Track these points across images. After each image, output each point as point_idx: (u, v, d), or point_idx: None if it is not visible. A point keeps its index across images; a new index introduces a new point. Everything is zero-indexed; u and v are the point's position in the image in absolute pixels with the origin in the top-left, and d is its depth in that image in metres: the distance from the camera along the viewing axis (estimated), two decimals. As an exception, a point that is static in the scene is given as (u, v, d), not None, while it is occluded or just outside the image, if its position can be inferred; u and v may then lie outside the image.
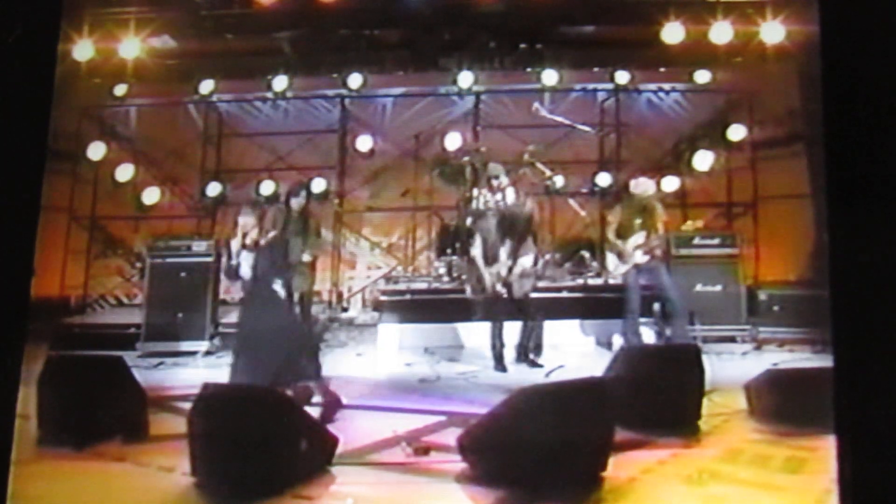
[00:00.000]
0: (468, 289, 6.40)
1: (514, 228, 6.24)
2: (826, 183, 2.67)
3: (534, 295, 6.54)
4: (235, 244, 5.37)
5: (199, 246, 7.42)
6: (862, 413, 2.54)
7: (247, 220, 5.33)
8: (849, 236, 2.61)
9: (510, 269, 6.15)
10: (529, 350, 6.34)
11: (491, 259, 6.26)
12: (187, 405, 4.14)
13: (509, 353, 6.34)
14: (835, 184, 2.66)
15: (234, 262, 5.36)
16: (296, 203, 6.67)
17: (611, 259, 6.95)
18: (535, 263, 6.34)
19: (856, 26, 2.67)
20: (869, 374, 2.55)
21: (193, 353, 7.04)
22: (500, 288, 6.19)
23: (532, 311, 6.33)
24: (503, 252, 6.22)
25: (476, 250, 6.35)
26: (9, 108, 2.69)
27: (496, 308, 6.27)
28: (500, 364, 6.24)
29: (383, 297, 7.55)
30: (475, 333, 6.80)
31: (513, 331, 6.39)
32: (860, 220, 2.61)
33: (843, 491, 2.54)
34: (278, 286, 5.35)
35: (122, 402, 4.71)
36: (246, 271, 5.34)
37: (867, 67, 2.66)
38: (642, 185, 6.94)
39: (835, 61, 2.68)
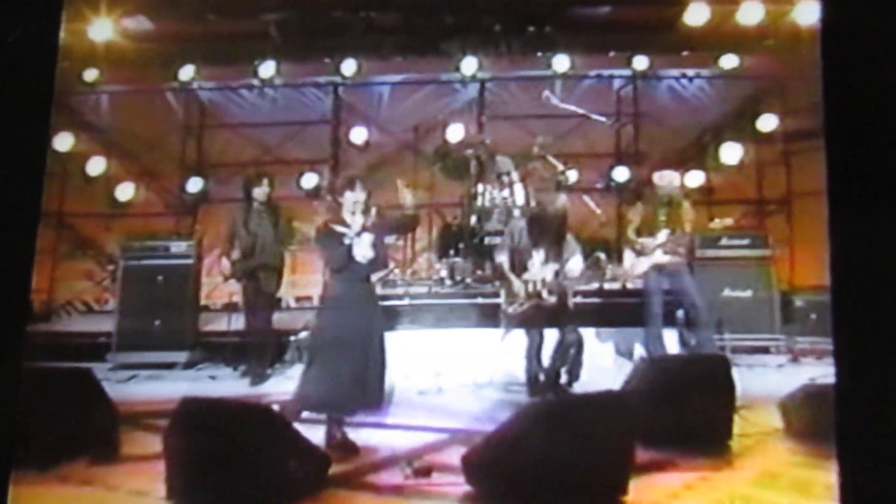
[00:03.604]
0: (502, 301, 6.17)
1: (546, 230, 6.02)
2: (827, 183, 2.84)
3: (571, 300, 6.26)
4: (356, 220, 4.88)
5: (179, 247, 7.37)
6: (864, 421, 2.73)
7: (358, 195, 4.94)
8: (850, 238, 2.77)
9: (556, 275, 5.91)
10: (563, 374, 6.07)
11: (519, 267, 6.03)
12: (163, 422, 4.11)
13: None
14: (835, 184, 2.83)
15: (348, 241, 4.85)
16: (259, 193, 6.61)
17: (628, 256, 6.87)
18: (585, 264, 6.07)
19: (857, 24, 2.81)
20: (872, 381, 2.71)
21: (171, 366, 6.96)
22: (545, 295, 5.90)
23: (573, 325, 6.03)
24: (536, 258, 6.00)
25: (502, 257, 6.12)
26: (8, 108, 2.87)
27: (533, 321, 5.99)
28: (536, 387, 5.90)
29: (379, 303, 7.43)
30: (480, 342, 6.69)
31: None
32: (863, 222, 2.75)
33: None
34: (370, 287, 5.14)
35: (91, 418, 4.64)
36: (365, 253, 4.86)
37: (868, 66, 2.80)
38: (667, 178, 6.89)
39: (835, 60, 2.84)
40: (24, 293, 2.88)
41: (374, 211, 4.92)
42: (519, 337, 6.00)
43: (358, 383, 4.72)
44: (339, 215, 4.92)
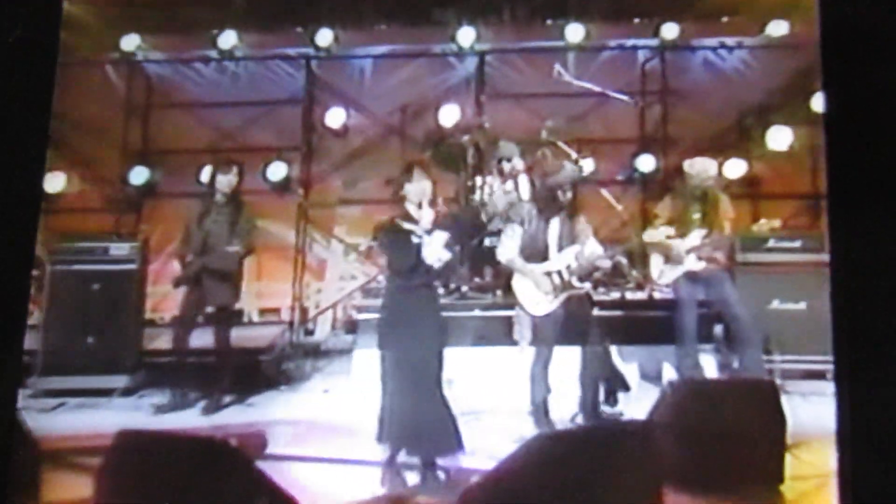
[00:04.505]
0: (523, 304, 6.09)
1: (556, 209, 5.98)
2: (827, 183, 3.06)
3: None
4: (425, 215, 4.87)
5: (120, 249, 7.30)
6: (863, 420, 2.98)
7: (422, 184, 4.94)
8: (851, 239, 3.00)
9: (577, 258, 5.89)
10: (602, 395, 6.05)
11: (535, 258, 5.96)
12: (96, 461, 4.08)
13: (559, 401, 6.05)
14: (836, 184, 3.05)
15: (416, 239, 4.85)
16: (224, 182, 6.61)
17: (655, 263, 6.85)
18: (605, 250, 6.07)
19: (858, 22, 3.06)
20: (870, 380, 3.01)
21: (107, 392, 6.85)
22: (576, 283, 5.87)
23: (600, 329, 6.06)
24: (552, 244, 5.97)
25: (511, 251, 6.06)
26: (8, 107, 3.18)
27: (572, 320, 5.93)
28: (544, 418, 5.87)
29: (360, 316, 7.52)
30: (480, 361, 6.75)
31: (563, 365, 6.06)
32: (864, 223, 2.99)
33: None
34: (435, 296, 5.15)
35: (6, 456, 4.33)
36: (436, 255, 4.86)
37: (869, 65, 3.04)
38: (700, 166, 6.86)
39: (836, 57, 3.07)
40: (24, 287, 3.21)
41: (441, 203, 4.97)
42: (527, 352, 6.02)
43: (432, 419, 4.77)
44: (405, 210, 4.91)
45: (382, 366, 4.94)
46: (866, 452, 3.06)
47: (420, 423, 4.76)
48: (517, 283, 6.05)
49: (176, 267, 6.72)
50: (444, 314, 5.21)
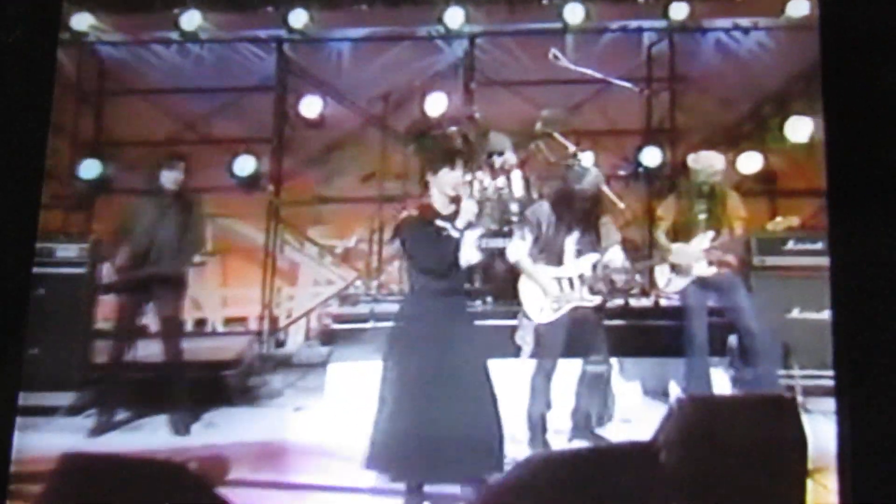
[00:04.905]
0: (525, 310, 6.15)
1: (578, 213, 6.05)
2: (827, 184, 3.19)
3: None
4: (466, 209, 4.87)
5: (67, 250, 7.21)
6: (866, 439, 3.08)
7: (459, 175, 4.96)
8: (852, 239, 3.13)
9: (595, 268, 5.99)
10: (595, 417, 6.12)
11: (552, 259, 6.02)
12: (36, 488, 3.95)
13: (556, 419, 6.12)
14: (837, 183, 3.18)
15: (453, 235, 4.84)
16: (168, 179, 6.55)
17: (661, 271, 6.84)
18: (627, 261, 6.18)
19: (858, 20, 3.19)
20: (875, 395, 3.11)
21: (51, 411, 6.76)
22: (586, 294, 5.95)
23: (606, 345, 6.10)
24: (569, 250, 6.03)
25: (520, 245, 6.10)
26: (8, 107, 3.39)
27: (573, 331, 6.00)
28: (541, 438, 5.95)
29: (336, 325, 7.63)
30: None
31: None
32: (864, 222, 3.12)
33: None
34: (463, 302, 5.20)
35: None
36: (468, 256, 4.85)
37: (870, 64, 3.17)
38: (705, 161, 6.82)
39: (836, 58, 3.23)
40: (24, 286, 3.51)
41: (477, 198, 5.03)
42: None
43: (465, 438, 4.67)
44: (427, 203, 4.91)
45: (389, 380, 4.87)
46: (869, 475, 3.11)
47: (457, 442, 4.66)
48: (523, 286, 6.10)
49: (106, 268, 6.76)
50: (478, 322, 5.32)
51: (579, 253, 6.00)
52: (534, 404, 5.95)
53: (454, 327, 4.89)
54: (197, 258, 6.69)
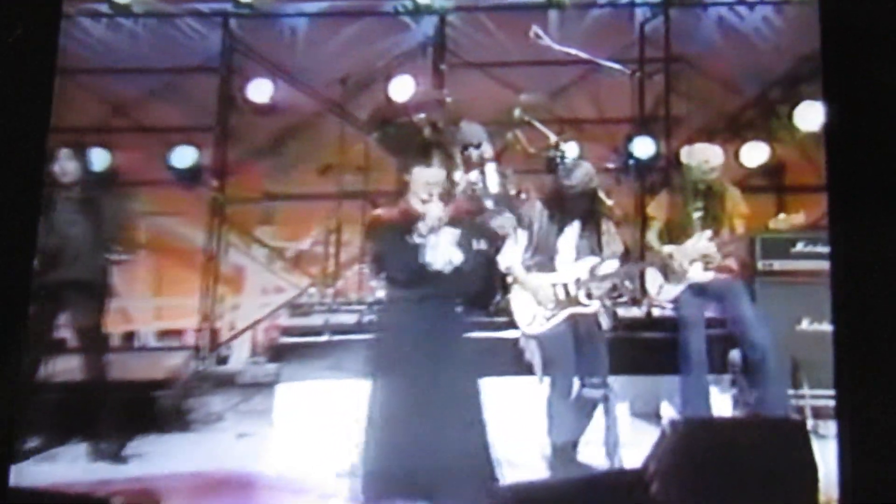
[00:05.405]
0: (518, 320, 6.15)
1: (573, 213, 6.04)
2: (827, 186, 3.21)
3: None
4: (431, 210, 4.93)
5: None
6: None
7: (435, 174, 5.08)
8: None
9: (592, 272, 5.99)
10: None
11: (545, 263, 6.01)
12: None
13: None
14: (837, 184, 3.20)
15: (418, 240, 4.89)
16: (60, 172, 6.42)
17: (652, 276, 6.84)
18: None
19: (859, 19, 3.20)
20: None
21: None
22: (583, 299, 5.95)
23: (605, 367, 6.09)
24: (564, 253, 6.02)
25: (512, 251, 6.12)
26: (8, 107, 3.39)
27: (550, 351, 6.00)
28: (566, 467, 5.83)
29: (287, 339, 7.63)
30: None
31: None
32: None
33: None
34: (453, 311, 5.22)
35: None
36: (445, 257, 4.93)
37: (870, 63, 3.17)
38: (700, 154, 6.84)
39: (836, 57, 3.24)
40: (24, 285, 3.44)
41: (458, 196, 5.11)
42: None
43: (449, 468, 4.71)
44: (406, 203, 5.00)
45: (374, 400, 4.92)
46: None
47: (445, 467, 4.71)
48: (515, 295, 6.13)
49: None
50: (472, 334, 5.39)
51: (576, 257, 6.01)
52: (552, 430, 5.90)
53: (437, 342, 4.93)
54: (116, 255, 6.51)
